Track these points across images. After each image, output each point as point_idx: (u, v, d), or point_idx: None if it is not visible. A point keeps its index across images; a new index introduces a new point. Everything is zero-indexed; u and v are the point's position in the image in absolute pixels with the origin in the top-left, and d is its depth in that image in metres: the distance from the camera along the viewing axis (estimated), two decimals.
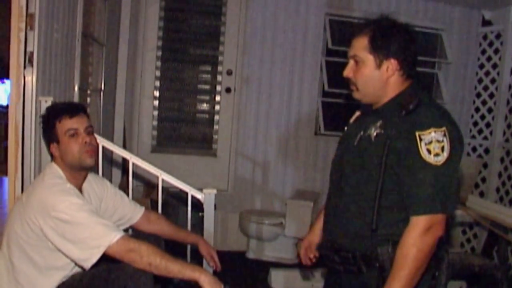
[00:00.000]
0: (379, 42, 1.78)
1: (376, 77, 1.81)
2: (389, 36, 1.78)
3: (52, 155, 2.11)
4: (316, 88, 4.94)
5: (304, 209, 4.40)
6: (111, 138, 4.24)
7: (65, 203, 1.87)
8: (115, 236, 1.86)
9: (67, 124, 2.05)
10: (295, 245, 4.62)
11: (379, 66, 1.80)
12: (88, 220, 1.86)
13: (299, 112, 4.94)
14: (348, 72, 1.87)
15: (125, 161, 4.25)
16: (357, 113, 2.05)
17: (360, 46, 1.81)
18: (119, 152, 2.82)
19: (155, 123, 5.00)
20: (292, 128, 4.95)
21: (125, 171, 4.41)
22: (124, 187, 3.32)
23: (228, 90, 4.93)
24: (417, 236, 1.65)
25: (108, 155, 3.80)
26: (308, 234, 2.16)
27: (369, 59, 1.80)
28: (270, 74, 4.88)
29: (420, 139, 1.66)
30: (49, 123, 2.07)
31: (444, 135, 1.66)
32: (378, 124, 1.79)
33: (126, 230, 2.43)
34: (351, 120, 2.08)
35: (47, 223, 1.86)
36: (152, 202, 4.09)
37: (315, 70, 4.90)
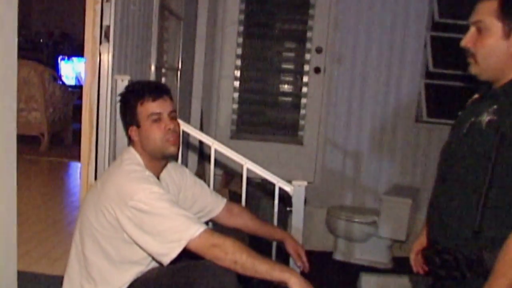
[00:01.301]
0: None
1: (502, 49, 1.67)
2: None
3: (130, 139, 2.13)
4: (418, 68, 4.75)
5: (401, 207, 4.28)
6: (187, 122, 4.30)
7: (144, 191, 1.87)
8: (198, 229, 1.84)
9: (150, 108, 2.04)
10: (390, 247, 4.53)
11: (507, 35, 1.66)
12: (168, 211, 1.86)
13: (398, 96, 4.78)
14: (467, 41, 1.73)
15: (202, 146, 4.31)
16: (475, 96, 1.91)
17: (487, 10, 1.68)
18: (200, 137, 2.83)
19: (235, 106, 5.03)
20: (390, 114, 4.81)
21: (202, 157, 4.46)
22: (199, 175, 3.35)
23: (317, 70, 4.86)
24: None
25: (184, 139, 3.86)
26: (420, 236, 2.04)
27: (497, 27, 1.66)
28: (366, 52, 4.75)
29: None
30: (129, 104, 2.08)
31: None
32: (492, 109, 1.66)
33: (205, 224, 2.43)
34: (468, 103, 1.94)
35: (124, 213, 1.87)
36: (230, 193, 4.11)
37: (418, 47, 4.71)
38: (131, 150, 2.08)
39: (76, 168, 4.68)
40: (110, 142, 2.52)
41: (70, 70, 8.34)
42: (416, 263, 2.03)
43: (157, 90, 2.07)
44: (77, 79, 8.24)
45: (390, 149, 4.85)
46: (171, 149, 2.07)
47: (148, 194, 1.87)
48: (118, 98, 2.16)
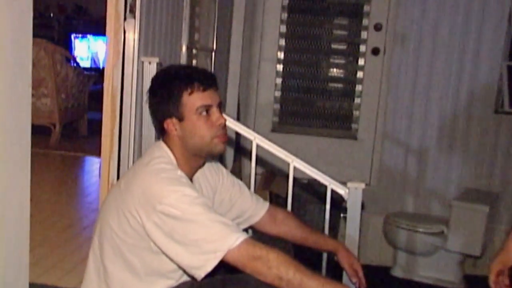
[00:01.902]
0: None
1: None
2: None
3: (161, 132, 2.14)
4: (499, 49, 4.67)
5: (476, 215, 4.25)
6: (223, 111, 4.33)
7: (175, 194, 1.89)
8: (237, 238, 1.85)
9: (199, 99, 2.04)
10: (461, 263, 4.49)
11: None
12: (203, 217, 1.87)
13: (474, 81, 4.72)
14: None
15: (238, 140, 4.33)
16: None
17: None
18: (240, 129, 2.86)
19: (277, 93, 5.06)
20: (463, 103, 4.76)
21: (238, 153, 4.49)
22: (235, 174, 3.36)
23: (375, 51, 4.86)
24: None
25: None
26: (501, 252, 2.01)
27: None
28: (434, 30, 4.69)
29: None
30: (172, 92, 2.07)
31: None
32: None
33: (245, 231, 2.45)
34: None
35: (151, 218, 1.89)
36: (271, 196, 4.13)
37: (499, 22, 4.62)
38: (162, 145, 2.10)
39: (92, 164, 4.77)
40: (135, 134, 2.57)
41: (85, 50, 8.48)
42: (498, 286, 2.00)
43: (207, 79, 2.08)
44: (93, 60, 8.38)
45: (463, 145, 4.80)
46: (220, 147, 2.09)
47: (180, 197, 1.88)
48: (151, 84, 2.16)
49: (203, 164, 2.23)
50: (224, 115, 2.13)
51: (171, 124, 2.07)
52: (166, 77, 2.11)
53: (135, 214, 1.93)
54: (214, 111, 2.07)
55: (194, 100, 2.04)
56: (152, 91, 2.13)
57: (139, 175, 2.00)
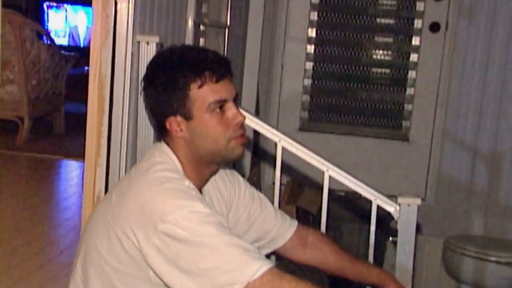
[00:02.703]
0: None
1: None
2: None
3: (162, 132, 2.14)
4: None
5: None
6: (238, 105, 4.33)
7: (182, 210, 1.87)
8: (260, 267, 1.85)
9: (212, 92, 2.02)
10: None
11: None
12: (217, 240, 1.86)
13: None
14: None
15: (257, 141, 4.34)
16: None
17: None
18: (261, 128, 2.85)
19: (307, 82, 5.08)
20: None
21: (257, 157, 4.50)
22: (252, 183, 3.35)
23: (434, 27, 4.86)
24: None
25: None
26: None
27: None
28: None
29: None
30: (175, 83, 2.05)
31: None
32: None
33: (267, 257, 2.46)
34: None
35: (151, 240, 1.88)
36: (299, 212, 4.14)
37: None
38: (164, 148, 2.10)
39: (70, 169, 4.79)
40: (129, 133, 2.58)
41: (62, 23, 8.52)
42: None
43: (220, 65, 2.07)
44: (72, 37, 8.40)
45: None
46: (238, 151, 2.09)
47: (187, 214, 1.87)
48: (148, 71, 2.15)
49: (216, 172, 2.24)
50: (242, 111, 2.13)
51: (175, 124, 2.05)
52: (168, 62, 2.08)
53: (131, 235, 1.92)
54: (230, 106, 2.06)
55: (205, 94, 2.02)
56: (149, 80, 2.10)
57: (135, 185, 1.99)
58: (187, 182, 2.00)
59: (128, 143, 2.61)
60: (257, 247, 2.36)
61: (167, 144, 2.11)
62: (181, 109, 2.04)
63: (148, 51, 2.58)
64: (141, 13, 2.62)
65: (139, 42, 2.57)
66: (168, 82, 2.04)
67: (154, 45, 2.56)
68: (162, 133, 2.14)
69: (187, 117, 2.05)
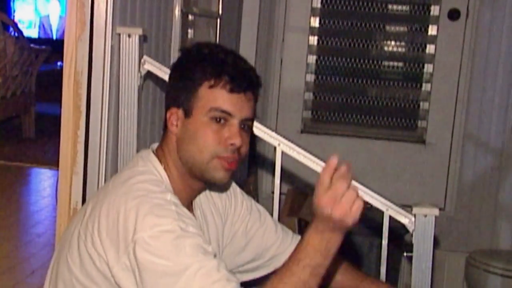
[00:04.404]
0: None
1: None
2: None
3: (164, 127, 2.18)
4: None
5: None
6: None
7: (152, 229, 1.85)
8: None
9: (220, 99, 2.04)
10: None
11: None
12: (193, 269, 1.84)
13: None
14: None
15: (254, 145, 4.35)
16: None
17: None
18: (257, 130, 2.81)
19: (310, 78, 5.08)
20: None
21: (254, 163, 4.51)
22: (249, 192, 3.34)
23: (453, 14, 4.86)
24: None
25: None
26: None
27: None
28: None
29: None
30: (190, 74, 2.09)
31: None
32: None
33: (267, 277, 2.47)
34: None
35: (121, 260, 1.88)
36: (301, 225, 4.14)
37: None
38: (151, 157, 2.10)
39: (42, 178, 4.78)
40: (109, 139, 2.59)
41: (31, 12, 8.51)
42: None
43: (243, 78, 2.09)
44: (43, 28, 8.40)
45: None
46: (219, 175, 2.08)
47: (156, 234, 1.86)
48: (179, 57, 2.20)
49: (205, 188, 2.24)
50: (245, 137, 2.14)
51: (174, 116, 2.09)
52: (196, 53, 2.15)
53: (102, 253, 1.92)
54: (233, 124, 2.06)
55: (212, 96, 2.05)
56: (174, 65, 2.19)
57: (111, 196, 1.99)
58: (169, 196, 1.98)
59: (108, 149, 2.61)
60: (256, 267, 2.39)
61: (160, 148, 2.14)
62: (185, 103, 2.08)
63: (130, 44, 2.58)
64: (122, 2, 2.63)
65: (119, 34, 2.57)
66: (186, 71, 2.10)
67: (137, 38, 2.56)
68: (164, 127, 2.17)
69: (187, 113, 2.08)
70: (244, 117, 2.08)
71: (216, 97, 2.04)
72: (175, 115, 2.08)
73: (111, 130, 2.61)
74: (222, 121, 2.05)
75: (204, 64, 2.06)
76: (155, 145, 2.17)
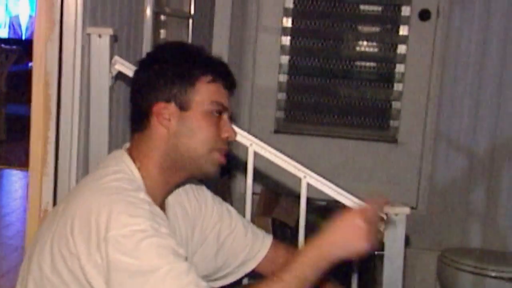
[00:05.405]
0: None
1: None
2: None
3: (139, 125, 2.14)
4: None
5: None
6: None
7: (125, 228, 1.86)
8: None
9: (219, 93, 2.12)
10: None
11: None
12: (163, 271, 1.83)
13: None
14: None
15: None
16: None
17: None
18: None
19: (283, 78, 5.09)
20: None
21: (226, 164, 4.51)
22: (222, 193, 3.34)
23: (424, 15, 4.88)
24: None
25: None
26: None
27: None
28: None
29: None
30: (185, 68, 2.11)
31: None
32: None
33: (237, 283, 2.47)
34: None
35: (92, 257, 1.87)
36: (275, 225, 4.15)
37: None
38: (124, 157, 2.09)
39: (12, 180, 4.77)
40: (80, 139, 2.58)
41: (2, 13, 8.45)
42: None
43: (232, 80, 2.20)
44: (13, 28, 8.35)
45: None
46: (214, 169, 2.15)
47: (128, 233, 1.86)
48: (152, 52, 2.24)
49: (181, 184, 2.26)
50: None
51: (166, 112, 2.08)
52: (189, 48, 2.22)
53: (74, 251, 1.91)
54: (226, 119, 2.15)
55: (211, 91, 2.11)
56: (154, 58, 2.19)
57: (83, 194, 2.00)
58: (142, 195, 1.99)
59: (79, 149, 2.61)
60: (225, 274, 2.40)
61: (133, 147, 2.14)
62: (180, 97, 2.09)
63: (100, 45, 2.58)
64: (92, 2, 2.62)
65: (89, 34, 2.57)
66: (179, 65, 2.12)
67: (107, 38, 2.56)
68: (140, 124, 2.14)
69: (183, 107, 2.09)
70: (231, 113, 2.18)
71: (216, 91, 2.12)
72: (166, 109, 2.09)
73: (82, 131, 2.61)
74: (219, 114, 2.13)
75: (201, 60, 2.13)
76: (128, 145, 2.16)
